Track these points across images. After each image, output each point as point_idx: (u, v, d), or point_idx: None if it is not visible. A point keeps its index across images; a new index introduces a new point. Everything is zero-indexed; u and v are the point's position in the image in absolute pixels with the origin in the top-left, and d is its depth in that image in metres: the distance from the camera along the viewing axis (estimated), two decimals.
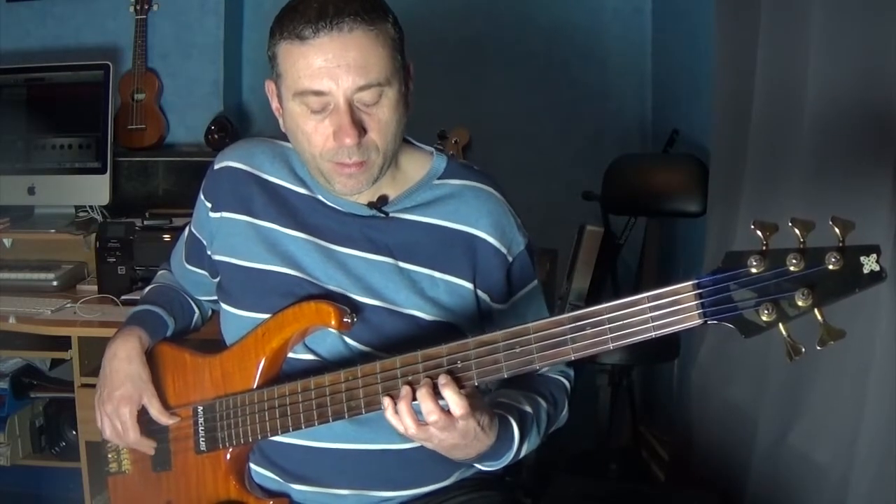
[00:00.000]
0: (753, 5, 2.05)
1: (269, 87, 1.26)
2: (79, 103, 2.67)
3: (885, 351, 1.57)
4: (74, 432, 2.44)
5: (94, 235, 2.49)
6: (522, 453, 1.25)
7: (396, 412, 1.11)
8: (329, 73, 1.15)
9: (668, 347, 2.53)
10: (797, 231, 0.89)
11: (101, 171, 2.65)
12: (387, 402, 1.11)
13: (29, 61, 2.83)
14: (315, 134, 1.19)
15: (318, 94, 1.16)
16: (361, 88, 1.16)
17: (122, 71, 2.95)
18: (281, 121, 1.26)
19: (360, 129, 1.17)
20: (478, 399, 1.12)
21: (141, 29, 2.92)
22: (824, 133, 1.78)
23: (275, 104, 1.27)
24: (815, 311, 0.89)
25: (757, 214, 2.03)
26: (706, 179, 2.46)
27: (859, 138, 1.68)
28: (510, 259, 1.32)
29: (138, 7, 2.92)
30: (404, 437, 1.13)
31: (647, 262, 2.73)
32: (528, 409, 1.27)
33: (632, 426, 2.78)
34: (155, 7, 2.94)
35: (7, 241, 2.65)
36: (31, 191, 2.68)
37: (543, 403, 1.31)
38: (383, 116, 1.19)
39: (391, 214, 1.29)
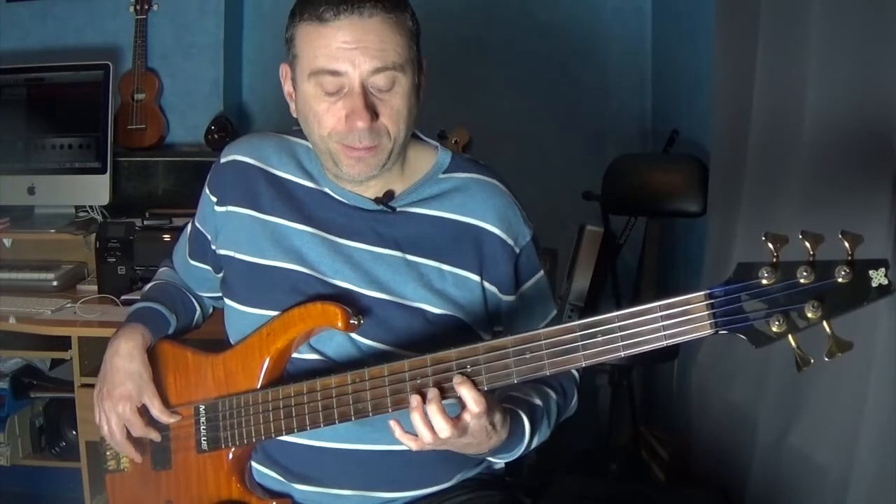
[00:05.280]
0: (753, 6, 2.05)
1: (284, 70, 1.28)
2: (79, 103, 2.67)
3: (884, 351, 1.58)
4: (74, 432, 2.43)
5: (94, 235, 2.49)
6: (534, 445, 1.27)
7: (421, 414, 1.09)
8: (346, 55, 1.16)
9: (668, 347, 2.53)
10: (807, 244, 0.90)
11: (101, 171, 2.65)
12: (415, 401, 1.09)
13: (29, 61, 2.82)
14: (326, 115, 1.20)
15: (334, 73, 1.17)
16: (377, 71, 1.17)
17: (122, 71, 2.94)
18: (292, 105, 1.27)
19: (373, 114, 1.18)
20: (489, 398, 1.12)
21: (141, 29, 2.91)
22: (824, 133, 1.78)
23: (287, 88, 1.28)
24: (824, 323, 0.90)
25: (757, 214, 2.04)
26: (706, 179, 2.46)
27: (859, 139, 1.68)
28: (517, 251, 1.32)
29: (138, 7, 2.91)
30: None
31: (647, 262, 2.73)
32: (538, 401, 1.28)
33: (632, 426, 2.78)
34: (155, 7, 2.93)
35: (7, 241, 2.65)
36: (31, 191, 2.68)
37: (553, 395, 1.32)
38: (395, 104, 1.20)
39: (398, 209, 1.30)
